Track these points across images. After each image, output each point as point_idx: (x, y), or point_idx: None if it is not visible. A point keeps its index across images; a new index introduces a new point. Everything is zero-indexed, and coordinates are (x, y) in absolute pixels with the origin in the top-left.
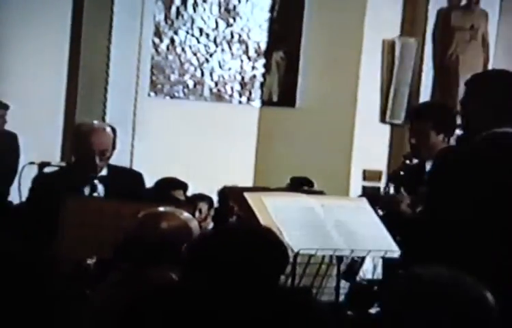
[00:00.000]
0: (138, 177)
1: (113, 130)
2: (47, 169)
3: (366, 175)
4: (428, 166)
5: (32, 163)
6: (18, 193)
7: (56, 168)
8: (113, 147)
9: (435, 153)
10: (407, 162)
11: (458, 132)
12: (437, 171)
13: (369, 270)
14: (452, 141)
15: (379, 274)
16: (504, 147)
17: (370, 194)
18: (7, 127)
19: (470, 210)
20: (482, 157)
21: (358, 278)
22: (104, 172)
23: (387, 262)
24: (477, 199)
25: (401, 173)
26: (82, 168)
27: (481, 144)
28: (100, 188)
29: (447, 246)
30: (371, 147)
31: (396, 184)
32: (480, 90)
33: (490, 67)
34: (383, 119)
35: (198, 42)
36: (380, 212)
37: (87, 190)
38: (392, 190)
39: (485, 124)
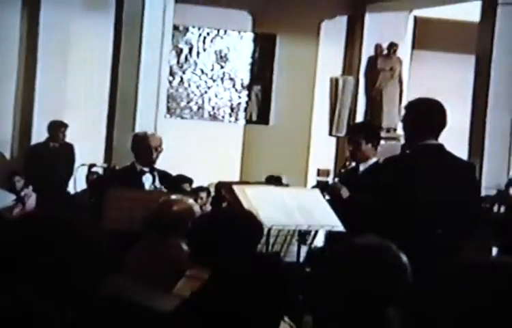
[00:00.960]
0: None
1: (160, 138)
2: (94, 169)
3: (319, 172)
4: (361, 166)
5: (83, 165)
6: (74, 186)
7: (100, 168)
8: (161, 148)
9: (366, 157)
10: (347, 163)
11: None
12: (382, 171)
13: (321, 240)
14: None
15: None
16: (427, 154)
17: (321, 186)
18: (66, 139)
19: (401, 197)
20: (412, 161)
21: (308, 243)
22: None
23: (333, 234)
24: (407, 189)
25: (342, 170)
26: (142, 161)
27: (412, 152)
28: (156, 181)
29: (380, 221)
30: (322, 152)
31: (340, 178)
32: (415, 112)
33: (404, 98)
34: (330, 133)
35: (200, 79)
36: (327, 197)
37: (145, 179)
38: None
39: (416, 137)
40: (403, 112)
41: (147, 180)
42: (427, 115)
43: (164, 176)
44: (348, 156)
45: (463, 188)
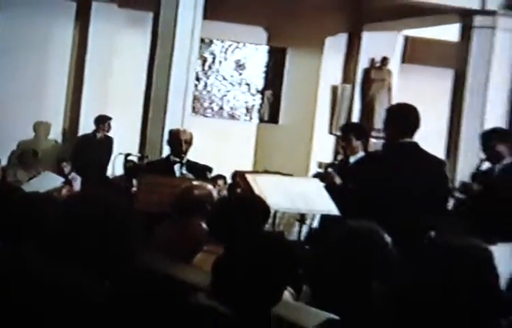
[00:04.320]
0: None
1: (191, 133)
2: (130, 158)
3: (320, 165)
4: (351, 159)
5: (121, 154)
6: (112, 172)
7: (135, 157)
8: (191, 142)
9: (355, 152)
10: (339, 157)
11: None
12: (364, 163)
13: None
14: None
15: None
16: (405, 151)
17: (319, 175)
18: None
19: (381, 186)
20: (391, 156)
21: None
22: (184, 160)
23: (328, 217)
24: (385, 179)
25: (335, 162)
26: (174, 152)
27: (392, 148)
28: (184, 169)
29: (367, 207)
30: (323, 148)
31: (333, 169)
32: (393, 115)
33: (392, 103)
34: (330, 132)
35: (221, 84)
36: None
37: (177, 168)
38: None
39: (395, 136)
40: (384, 115)
41: (178, 169)
42: (404, 118)
43: (191, 166)
44: (340, 150)
45: (434, 180)
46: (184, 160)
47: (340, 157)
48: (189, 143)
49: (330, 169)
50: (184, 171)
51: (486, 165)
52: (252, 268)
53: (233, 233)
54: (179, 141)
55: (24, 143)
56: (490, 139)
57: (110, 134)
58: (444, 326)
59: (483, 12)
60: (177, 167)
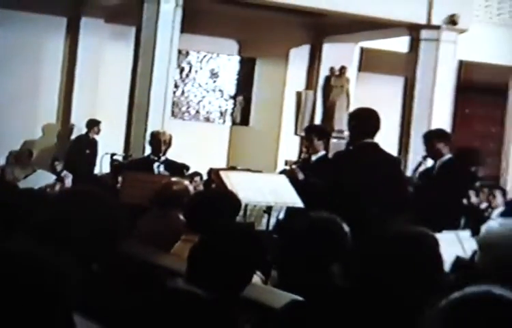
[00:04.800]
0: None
1: (170, 135)
2: (116, 157)
3: (286, 162)
4: (313, 157)
5: (107, 153)
6: (100, 170)
7: (119, 156)
8: (170, 143)
9: (317, 151)
10: (303, 155)
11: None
12: (330, 161)
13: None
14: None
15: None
16: (366, 151)
17: (285, 172)
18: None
19: (346, 181)
20: (356, 155)
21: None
22: (163, 158)
23: (293, 209)
24: (349, 176)
25: (300, 160)
26: (154, 151)
27: (355, 148)
28: (162, 167)
29: (333, 201)
30: (289, 147)
31: (297, 166)
32: (356, 119)
33: (351, 108)
34: (295, 133)
35: (197, 90)
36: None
37: (155, 166)
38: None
39: (358, 137)
40: (347, 118)
41: (156, 167)
42: (365, 121)
43: (169, 164)
44: (304, 149)
45: (391, 176)
46: (162, 159)
47: (304, 155)
48: (168, 143)
49: (294, 166)
50: (161, 169)
51: (430, 162)
52: (224, 255)
53: (208, 224)
54: (159, 142)
55: (30, 143)
56: (431, 139)
57: (98, 136)
58: (391, 307)
59: (429, 27)
60: (155, 165)
